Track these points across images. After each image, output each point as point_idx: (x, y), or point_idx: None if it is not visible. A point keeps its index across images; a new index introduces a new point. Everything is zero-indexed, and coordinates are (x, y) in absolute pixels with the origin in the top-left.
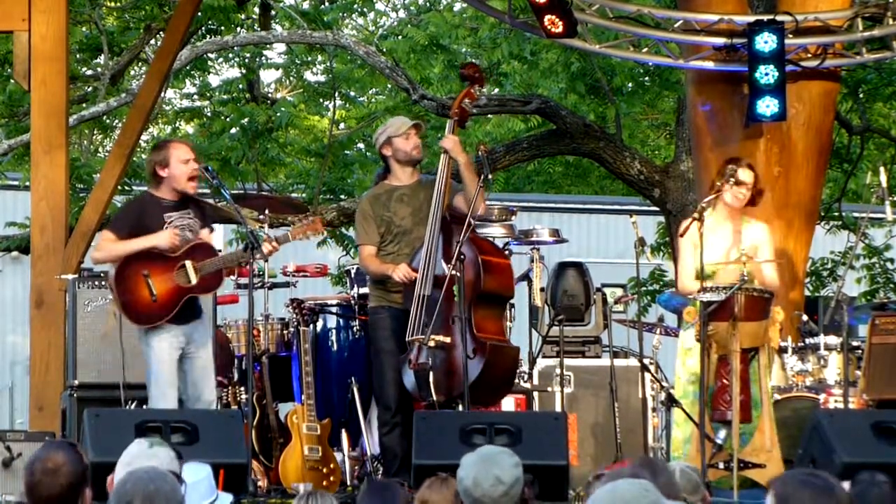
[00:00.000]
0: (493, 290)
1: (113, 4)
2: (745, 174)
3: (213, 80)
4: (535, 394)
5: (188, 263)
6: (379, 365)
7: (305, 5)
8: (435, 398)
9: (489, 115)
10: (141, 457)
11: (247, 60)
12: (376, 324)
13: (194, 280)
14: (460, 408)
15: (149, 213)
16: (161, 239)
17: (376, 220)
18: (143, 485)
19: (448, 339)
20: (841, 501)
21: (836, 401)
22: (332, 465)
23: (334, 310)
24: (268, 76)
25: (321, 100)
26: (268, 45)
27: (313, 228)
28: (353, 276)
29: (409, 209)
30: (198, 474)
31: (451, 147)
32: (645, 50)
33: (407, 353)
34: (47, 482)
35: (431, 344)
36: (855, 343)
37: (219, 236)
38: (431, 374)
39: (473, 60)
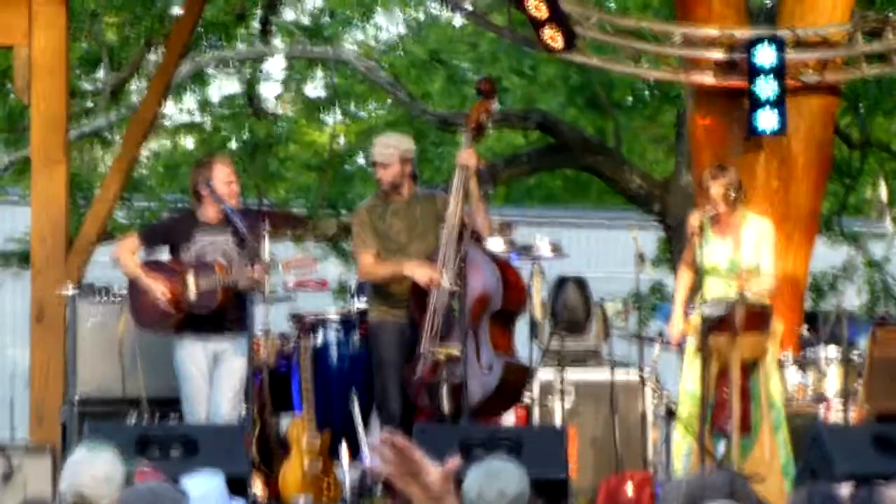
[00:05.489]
0: (512, 309)
1: (113, 20)
2: (715, 190)
3: (214, 95)
4: (535, 407)
5: (190, 277)
6: (382, 378)
7: (305, 20)
8: (447, 411)
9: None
10: (82, 462)
11: (248, 76)
12: (379, 337)
13: (193, 297)
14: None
15: (178, 230)
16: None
17: (374, 230)
18: (144, 499)
19: (456, 352)
20: None
21: (836, 413)
22: (331, 478)
23: (335, 324)
24: (269, 91)
25: (321, 113)
26: (268, 59)
27: (305, 264)
28: (354, 290)
29: (404, 224)
30: (210, 484)
31: (467, 161)
32: (646, 65)
33: (411, 363)
34: None
35: (441, 357)
36: (855, 354)
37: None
38: (445, 385)
39: (488, 75)
